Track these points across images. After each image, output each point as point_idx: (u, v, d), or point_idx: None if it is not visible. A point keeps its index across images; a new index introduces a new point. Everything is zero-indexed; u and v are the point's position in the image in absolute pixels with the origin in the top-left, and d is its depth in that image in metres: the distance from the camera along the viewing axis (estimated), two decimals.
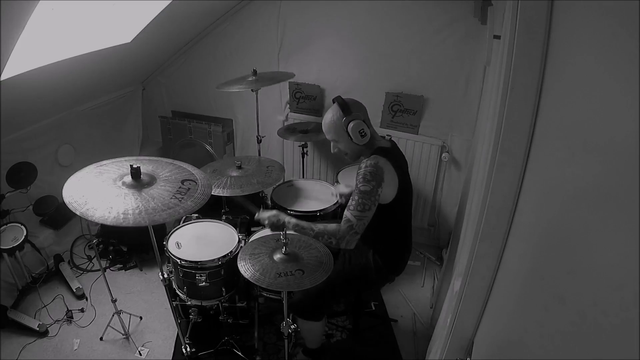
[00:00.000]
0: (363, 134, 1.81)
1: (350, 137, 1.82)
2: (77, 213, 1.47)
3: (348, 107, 1.83)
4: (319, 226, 1.80)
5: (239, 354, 2.32)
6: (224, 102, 3.57)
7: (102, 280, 2.42)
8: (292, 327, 1.98)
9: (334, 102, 1.88)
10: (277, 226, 1.87)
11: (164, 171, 1.75)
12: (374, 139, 1.89)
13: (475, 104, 2.71)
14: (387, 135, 2.04)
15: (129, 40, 2.67)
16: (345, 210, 1.79)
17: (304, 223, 1.84)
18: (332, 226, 1.78)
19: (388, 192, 1.83)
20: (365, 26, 2.97)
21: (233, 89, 2.65)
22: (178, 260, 2.11)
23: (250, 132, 3.57)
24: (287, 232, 1.84)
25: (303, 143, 3.08)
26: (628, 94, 0.56)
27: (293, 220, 1.85)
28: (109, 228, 2.99)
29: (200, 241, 2.27)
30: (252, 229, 2.53)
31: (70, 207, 1.49)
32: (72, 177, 1.65)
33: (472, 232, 1.26)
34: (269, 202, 2.63)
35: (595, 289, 0.62)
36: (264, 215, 1.91)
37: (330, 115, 1.88)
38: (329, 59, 3.14)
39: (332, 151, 1.98)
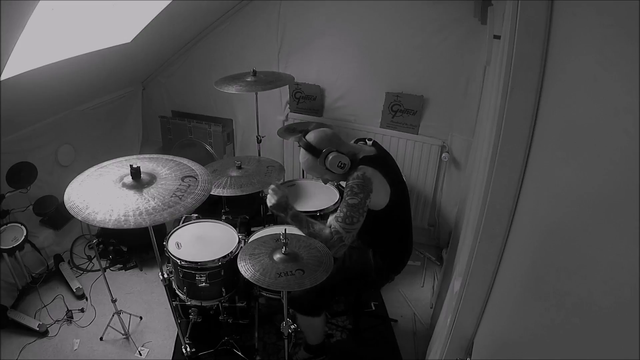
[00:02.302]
0: (341, 165, 1.80)
1: (333, 172, 1.82)
2: (79, 218, 1.47)
3: (315, 148, 1.82)
4: (315, 228, 1.81)
5: (239, 354, 2.32)
6: (224, 102, 3.57)
7: (102, 280, 2.42)
8: (292, 327, 1.98)
9: (299, 145, 1.86)
10: (280, 207, 1.85)
11: (164, 169, 1.75)
12: (355, 155, 1.86)
13: (475, 104, 2.71)
14: (367, 139, 2.02)
15: (129, 40, 2.67)
16: (334, 220, 1.78)
17: (303, 217, 1.85)
18: (325, 233, 1.79)
19: (379, 199, 1.82)
20: (366, 26, 2.97)
21: (231, 90, 2.64)
22: (178, 261, 2.11)
23: (250, 132, 3.57)
24: (285, 220, 1.86)
25: None
26: (628, 94, 0.56)
27: (294, 211, 1.86)
28: (109, 228, 2.99)
29: (200, 241, 2.27)
30: (252, 229, 2.53)
31: (71, 212, 1.49)
32: (73, 181, 1.66)
33: (472, 232, 1.26)
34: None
35: (596, 289, 0.62)
36: (273, 198, 1.86)
37: (305, 160, 1.88)
38: (329, 59, 3.14)
39: (324, 183, 2.01)
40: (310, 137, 1.85)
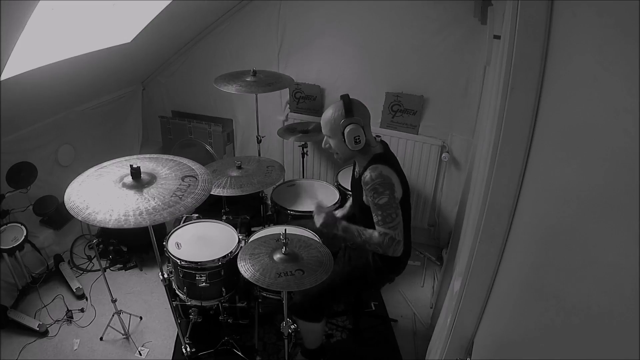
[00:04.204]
0: (357, 140, 1.80)
1: (344, 140, 1.82)
2: (79, 218, 1.48)
3: (351, 109, 1.81)
4: (366, 234, 1.84)
5: (239, 354, 2.32)
6: (224, 102, 3.57)
7: (102, 280, 2.42)
8: (292, 327, 1.98)
9: (341, 99, 1.85)
10: (329, 226, 1.90)
11: (164, 169, 1.75)
12: (369, 145, 1.87)
13: (475, 104, 2.71)
14: (376, 136, 2.01)
15: (129, 40, 2.67)
16: (377, 226, 1.81)
17: (353, 228, 1.87)
18: (375, 237, 1.81)
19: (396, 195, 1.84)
20: (366, 26, 2.97)
21: (231, 89, 2.64)
22: (178, 261, 2.11)
23: (250, 132, 3.57)
24: (337, 232, 1.90)
25: (303, 143, 3.08)
26: (628, 94, 0.56)
27: (344, 223, 1.90)
28: (109, 228, 2.99)
29: (200, 241, 2.27)
30: (252, 229, 2.53)
31: (71, 212, 1.50)
32: (73, 181, 1.66)
33: (472, 232, 1.25)
34: (269, 202, 2.63)
35: (595, 289, 0.62)
36: (320, 219, 1.93)
37: (332, 112, 1.86)
38: (329, 59, 3.14)
39: (323, 146, 1.97)
40: (355, 99, 1.87)
